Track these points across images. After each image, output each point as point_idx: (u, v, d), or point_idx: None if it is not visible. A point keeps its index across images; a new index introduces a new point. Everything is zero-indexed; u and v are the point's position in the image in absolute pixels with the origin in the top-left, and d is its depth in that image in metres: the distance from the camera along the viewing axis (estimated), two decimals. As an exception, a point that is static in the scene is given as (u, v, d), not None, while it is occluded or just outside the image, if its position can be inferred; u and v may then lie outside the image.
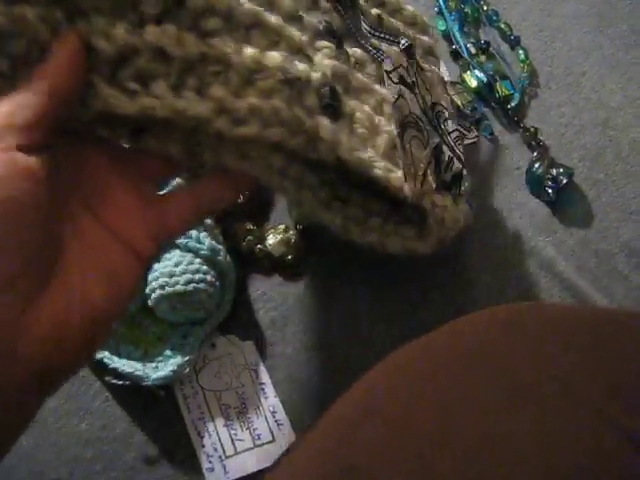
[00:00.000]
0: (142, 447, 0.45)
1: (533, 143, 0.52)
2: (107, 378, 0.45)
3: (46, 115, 0.30)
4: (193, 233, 0.45)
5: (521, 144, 0.53)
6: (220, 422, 0.45)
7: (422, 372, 0.36)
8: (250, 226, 0.48)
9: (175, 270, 0.44)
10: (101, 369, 0.45)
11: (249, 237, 0.48)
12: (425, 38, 0.46)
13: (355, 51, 0.41)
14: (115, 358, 0.45)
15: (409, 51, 0.41)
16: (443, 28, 0.55)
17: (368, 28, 0.41)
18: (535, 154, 0.51)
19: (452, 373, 0.35)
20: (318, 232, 0.49)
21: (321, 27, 0.39)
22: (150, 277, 0.45)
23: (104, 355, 0.44)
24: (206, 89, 0.34)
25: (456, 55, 0.54)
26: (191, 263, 0.44)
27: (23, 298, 0.29)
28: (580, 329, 0.37)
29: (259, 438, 0.45)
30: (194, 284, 0.44)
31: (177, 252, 0.45)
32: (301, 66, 0.36)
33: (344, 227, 0.42)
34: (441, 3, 0.56)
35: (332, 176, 0.41)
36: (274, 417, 0.45)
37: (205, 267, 0.45)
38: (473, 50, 0.54)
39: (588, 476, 0.31)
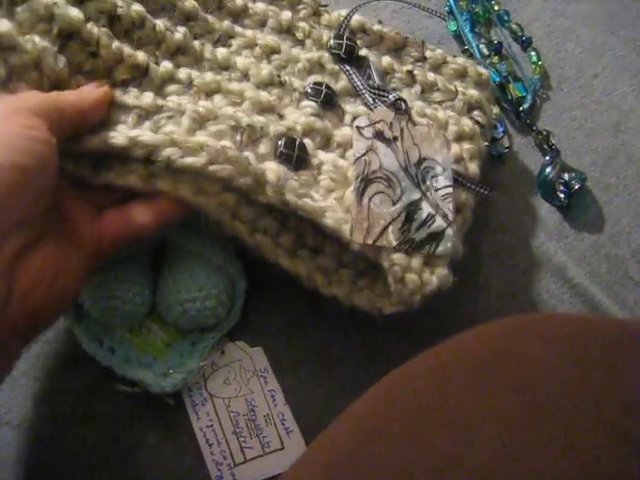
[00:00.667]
0: (150, 455, 0.44)
1: (545, 146, 0.51)
2: (116, 385, 0.44)
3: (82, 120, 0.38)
4: (206, 240, 0.44)
5: (533, 147, 0.52)
6: (229, 429, 0.45)
7: (432, 386, 0.36)
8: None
9: (188, 278, 0.43)
10: (109, 376, 0.44)
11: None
12: (473, 92, 0.47)
13: (358, 108, 0.44)
14: (124, 366, 0.44)
15: (397, 106, 0.44)
16: (454, 28, 0.54)
17: (366, 86, 0.44)
18: (547, 158, 0.51)
19: (464, 387, 0.35)
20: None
21: (309, 89, 0.44)
22: (160, 284, 0.44)
23: (112, 362, 0.44)
24: (159, 129, 0.39)
25: (469, 56, 0.53)
26: (203, 271, 0.44)
27: (28, 240, 0.34)
28: (595, 342, 0.36)
29: (268, 445, 0.45)
30: (206, 291, 0.43)
31: (189, 261, 0.44)
32: (259, 119, 0.41)
33: (309, 277, 0.43)
34: (452, 3, 0.55)
35: (298, 224, 0.42)
36: (283, 424, 0.45)
37: (217, 274, 0.44)
38: (486, 51, 0.53)
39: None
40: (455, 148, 0.45)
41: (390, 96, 0.43)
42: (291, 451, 0.44)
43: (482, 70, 0.48)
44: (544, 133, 0.51)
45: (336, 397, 0.45)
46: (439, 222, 0.42)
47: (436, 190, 0.42)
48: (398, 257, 0.40)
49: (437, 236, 0.41)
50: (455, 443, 0.32)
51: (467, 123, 0.46)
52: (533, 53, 0.54)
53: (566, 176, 0.50)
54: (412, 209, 0.41)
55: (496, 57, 0.53)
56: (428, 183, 0.42)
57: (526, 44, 0.54)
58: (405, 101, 0.44)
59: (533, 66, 0.54)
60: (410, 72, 0.46)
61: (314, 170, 0.42)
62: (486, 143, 0.47)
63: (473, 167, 0.45)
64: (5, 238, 0.33)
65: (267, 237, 0.42)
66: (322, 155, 0.42)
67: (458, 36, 0.54)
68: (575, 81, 0.54)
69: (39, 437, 0.44)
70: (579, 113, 0.53)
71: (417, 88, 0.46)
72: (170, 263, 0.45)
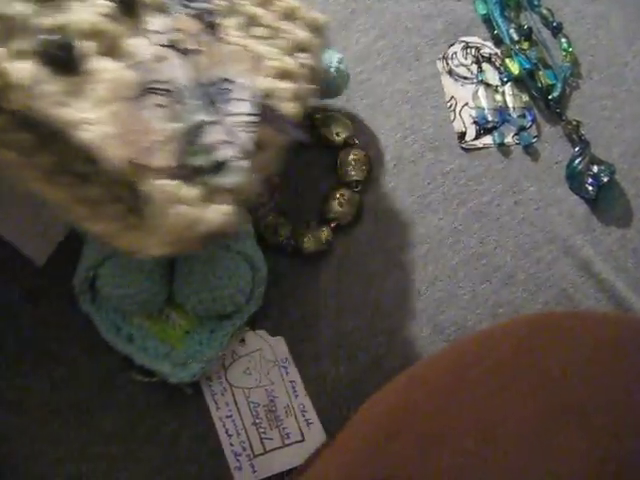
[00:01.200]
0: (168, 444, 0.44)
1: (574, 137, 0.50)
2: (133, 375, 0.43)
3: None
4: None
5: (561, 137, 0.51)
6: (249, 420, 0.44)
7: (456, 383, 0.35)
8: (281, 220, 0.47)
9: (205, 266, 0.42)
10: (127, 365, 0.43)
11: (280, 232, 0.46)
12: (301, 32, 0.43)
13: (162, 21, 0.38)
14: (142, 355, 0.43)
15: (205, 18, 0.39)
16: (484, 12, 0.53)
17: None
18: (577, 149, 0.49)
19: (490, 385, 0.34)
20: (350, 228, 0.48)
21: None
22: (177, 272, 0.43)
23: (130, 351, 0.43)
24: None
25: (498, 40, 0.52)
26: (222, 258, 0.43)
27: None
28: (623, 343, 0.36)
29: (288, 437, 0.44)
30: (225, 279, 0.42)
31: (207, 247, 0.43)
32: (20, 7, 0.34)
33: (68, 207, 0.37)
34: (481, -16, 0.53)
35: (63, 145, 0.35)
36: (304, 416, 0.44)
37: (237, 261, 0.43)
38: (515, 36, 0.52)
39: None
40: (271, 83, 0.40)
41: (194, 4, 0.39)
42: (311, 443, 0.44)
43: (316, 14, 0.44)
44: (574, 123, 0.50)
45: (358, 389, 0.44)
46: (228, 150, 0.36)
47: (232, 115, 0.37)
48: (166, 184, 0.34)
49: (222, 166, 0.36)
50: (479, 441, 0.32)
51: (290, 61, 0.41)
52: (564, 40, 0.52)
53: (595, 168, 0.49)
54: (196, 130, 0.36)
55: (526, 43, 0.52)
56: (224, 106, 0.37)
57: (556, 30, 0.53)
58: (215, 14, 0.39)
59: (563, 53, 0.52)
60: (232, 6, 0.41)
61: (86, 77, 0.35)
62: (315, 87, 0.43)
63: (291, 107, 0.40)
64: None
65: (18, 154, 0.36)
66: (104, 62, 0.36)
67: (487, 20, 0.53)
68: (605, 69, 0.53)
69: (55, 424, 0.44)
70: (609, 103, 0.52)
71: (239, 19, 0.41)
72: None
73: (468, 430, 0.32)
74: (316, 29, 0.44)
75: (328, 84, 0.47)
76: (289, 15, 0.43)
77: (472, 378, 0.34)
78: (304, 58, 0.42)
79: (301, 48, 0.42)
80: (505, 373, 0.35)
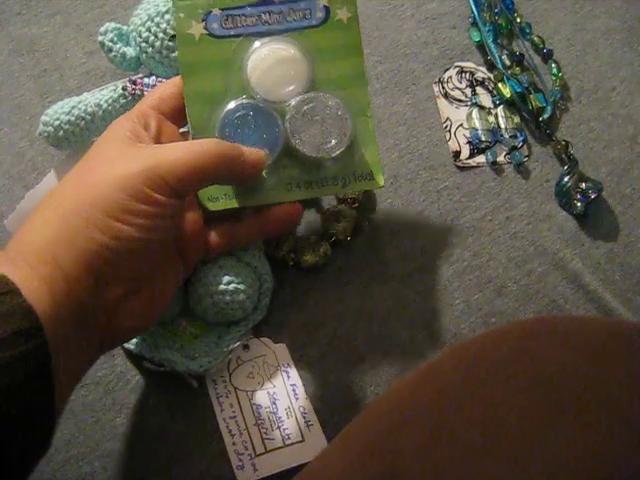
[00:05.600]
0: (176, 443, 0.46)
1: (564, 156, 0.53)
2: (144, 363, 0.46)
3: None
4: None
5: (551, 156, 0.54)
6: (251, 421, 0.46)
7: (459, 381, 0.37)
8: (284, 235, 0.49)
9: (219, 272, 0.45)
10: (139, 361, 0.46)
11: (283, 246, 0.49)
12: None
13: None
14: (153, 350, 0.45)
15: None
16: (478, 39, 0.56)
17: None
18: (565, 167, 0.52)
19: (490, 384, 0.36)
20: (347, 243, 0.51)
21: None
22: (192, 278, 0.46)
23: (142, 349, 0.46)
24: None
25: (491, 66, 0.55)
26: (234, 267, 0.46)
27: (129, 290, 0.39)
28: (612, 343, 0.38)
29: (289, 438, 0.46)
30: (235, 285, 0.45)
31: (220, 257, 0.46)
32: None
33: None
34: (476, 14, 0.56)
35: None
36: (304, 418, 0.47)
37: (246, 271, 0.46)
38: (508, 62, 0.55)
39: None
40: None
41: None
42: (311, 444, 0.46)
43: None
44: (563, 143, 0.53)
45: (357, 392, 0.47)
46: None
47: None
48: None
49: None
50: (483, 435, 0.33)
51: None
52: (554, 65, 0.55)
53: (583, 185, 0.51)
54: None
55: (518, 68, 0.55)
56: None
57: (547, 56, 0.56)
58: None
59: (553, 78, 0.55)
60: None
61: None
62: None
63: None
64: (113, 286, 0.38)
65: None
66: None
67: (481, 46, 0.56)
68: (593, 93, 0.56)
69: (70, 423, 0.46)
70: (596, 125, 0.55)
71: None
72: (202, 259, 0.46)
73: (473, 424, 0.33)
74: None
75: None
76: None
77: (475, 376, 0.36)
78: None
79: None
80: (506, 371, 0.36)
